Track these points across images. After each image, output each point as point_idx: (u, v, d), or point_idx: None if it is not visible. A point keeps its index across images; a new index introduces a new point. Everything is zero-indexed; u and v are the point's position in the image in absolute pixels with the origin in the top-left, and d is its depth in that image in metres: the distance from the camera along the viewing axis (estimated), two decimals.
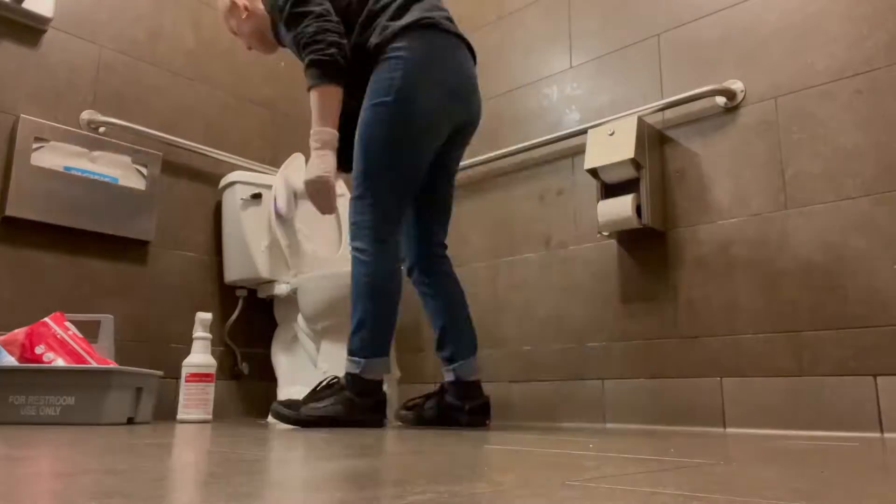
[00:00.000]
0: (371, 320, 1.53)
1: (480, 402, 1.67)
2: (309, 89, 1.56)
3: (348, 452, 0.86)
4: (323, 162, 1.54)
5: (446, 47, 1.60)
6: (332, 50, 1.52)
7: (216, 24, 2.46)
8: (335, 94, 1.54)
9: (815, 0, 1.70)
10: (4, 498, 0.45)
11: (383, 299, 1.54)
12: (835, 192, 1.60)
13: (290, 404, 1.55)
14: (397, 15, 1.58)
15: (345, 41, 1.57)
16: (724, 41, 1.84)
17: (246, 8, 1.76)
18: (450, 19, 1.66)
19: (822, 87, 1.66)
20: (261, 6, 1.76)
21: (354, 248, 1.56)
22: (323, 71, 1.52)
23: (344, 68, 1.54)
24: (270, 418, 1.67)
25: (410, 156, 1.56)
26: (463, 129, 1.70)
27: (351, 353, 1.56)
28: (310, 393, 1.57)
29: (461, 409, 1.64)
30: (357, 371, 1.53)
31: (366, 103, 1.56)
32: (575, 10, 2.22)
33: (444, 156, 1.70)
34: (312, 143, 1.55)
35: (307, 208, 2.37)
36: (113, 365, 1.68)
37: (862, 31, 1.61)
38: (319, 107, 1.53)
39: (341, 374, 1.58)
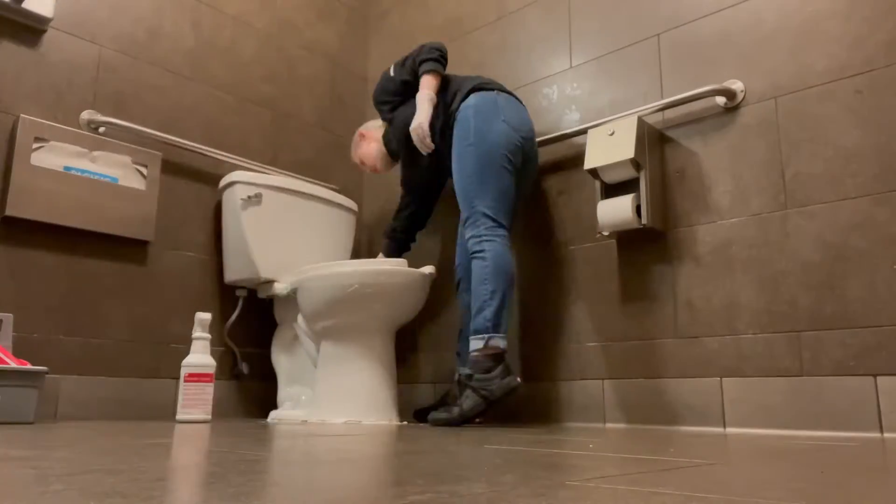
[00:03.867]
0: (491, 301, 1.77)
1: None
2: (425, 73, 2.04)
3: (348, 452, 0.86)
4: (423, 113, 2.00)
5: (506, 99, 2.00)
6: (437, 54, 2.07)
7: (216, 24, 2.46)
8: (439, 80, 2.05)
9: (815, 0, 1.70)
10: (4, 498, 0.45)
11: (500, 282, 1.79)
12: (835, 192, 1.60)
13: (448, 409, 1.78)
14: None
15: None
16: (724, 41, 1.84)
17: (363, 136, 2.29)
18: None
19: (822, 87, 1.66)
20: (376, 133, 2.26)
21: (475, 254, 1.84)
22: (435, 63, 2.04)
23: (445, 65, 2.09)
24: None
25: (497, 177, 1.91)
26: (526, 162, 2.00)
27: (476, 332, 1.77)
28: (450, 396, 1.88)
29: (489, 379, 1.76)
30: (482, 346, 1.75)
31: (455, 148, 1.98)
32: (575, 10, 2.22)
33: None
34: (424, 102, 2.01)
35: (305, 212, 2.38)
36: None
37: (862, 31, 1.61)
38: (431, 84, 2.03)
39: (339, 373, 1.60)
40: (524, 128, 1.97)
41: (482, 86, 2.01)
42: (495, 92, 1.99)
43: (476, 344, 1.76)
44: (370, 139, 2.27)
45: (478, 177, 1.88)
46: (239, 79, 2.50)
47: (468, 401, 1.72)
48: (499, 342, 1.75)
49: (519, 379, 1.74)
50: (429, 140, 2.01)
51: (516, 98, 2.05)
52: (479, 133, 1.90)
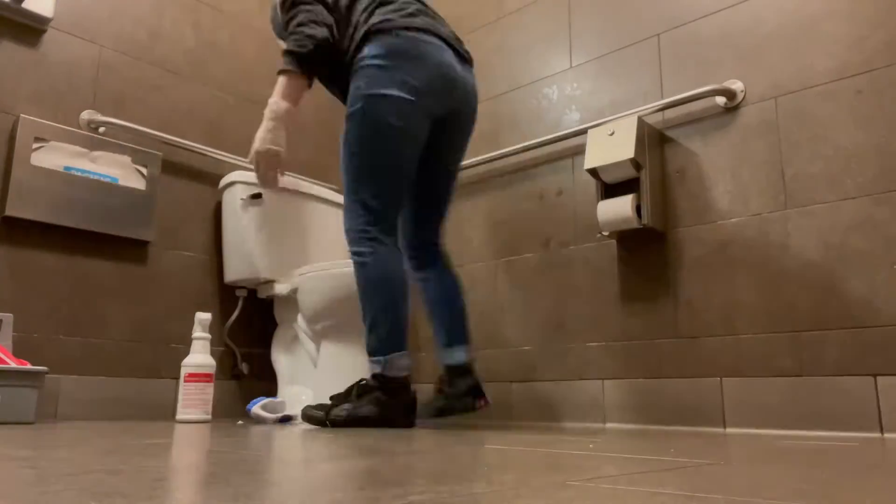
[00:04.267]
0: (381, 317, 1.56)
1: (471, 381, 1.68)
2: (279, 73, 1.62)
3: (348, 453, 0.86)
4: (274, 135, 1.60)
5: (409, 47, 1.61)
6: (307, 42, 1.58)
7: (216, 23, 2.46)
8: (301, 83, 1.62)
9: (815, 0, 1.70)
10: (5, 498, 0.45)
11: (387, 296, 1.56)
12: (835, 192, 1.60)
13: (321, 407, 1.58)
14: (364, 20, 1.65)
15: (324, 34, 1.61)
16: (724, 41, 1.84)
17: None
18: (415, 14, 1.67)
19: (822, 87, 1.66)
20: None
21: (353, 254, 1.61)
22: (294, 59, 1.59)
23: (316, 62, 1.61)
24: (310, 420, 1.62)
25: (388, 157, 1.61)
26: (447, 122, 1.71)
27: (370, 354, 1.58)
28: (341, 394, 1.59)
29: (459, 393, 1.66)
30: (380, 370, 1.56)
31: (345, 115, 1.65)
32: (575, 10, 2.22)
33: (436, 151, 1.74)
34: (266, 114, 1.61)
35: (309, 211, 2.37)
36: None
37: (862, 31, 1.61)
38: (283, 87, 1.60)
39: (339, 374, 1.58)
40: (435, 84, 1.62)
41: (377, 27, 1.61)
42: (393, 34, 1.60)
43: (374, 368, 1.56)
44: None
45: (362, 155, 1.58)
46: (239, 79, 2.50)
47: (369, 408, 1.54)
48: (402, 362, 1.57)
49: (482, 403, 1.65)
50: (267, 174, 1.61)
51: (428, 31, 1.64)
52: (366, 97, 1.58)
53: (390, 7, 1.66)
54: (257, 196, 2.24)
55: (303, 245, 2.34)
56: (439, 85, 1.64)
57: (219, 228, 2.36)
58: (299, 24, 1.60)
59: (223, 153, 2.36)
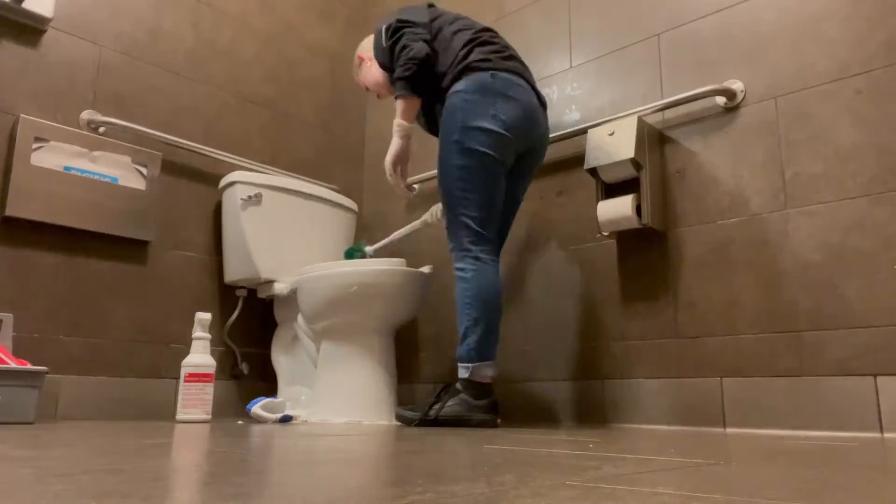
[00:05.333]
0: (472, 329, 1.69)
1: (494, 397, 1.74)
2: (396, 97, 1.83)
3: (348, 452, 0.86)
4: (403, 150, 1.86)
5: (502, 87, 1.76)
6: (412, 66, 1.78)
7: (216, 23, 2.46)
8: (415, 103, 1.84)
9: (814, 0, 1.70)
10: (4, 498, 0.45)
11: (480, 311, 1.69)
12: (835, 192, 1.60)
13: (413, 408, 1.75)
14: (464, 56, 1.80)
15: (424, 50, 1.79)
16: (724, 41, 1.84)
17: (362, 59, 2.08)
18: (509, 58, 1.83)
19: (822, 87, 1.66)
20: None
21: (456, 269, 1.75)
22: (405, 84, 1.79)
23: (420, 77, 1.80)
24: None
25: (488, 183, 1.75)
26: (524, 157, 1.85)
27: (459, 360, 1.72)
28: (433, 397, 1.75)
29: (478, 407, 1.71)
30: (467, 375, 1.70)
31: (440, 141, 1.80)
32: (575, 10, 2.22)
33: (511, 182, 1.86)
34: (395, 132, 1.85)
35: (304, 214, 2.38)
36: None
37: (862, 31, 1.61)
38: (402, 110, 1.83)
39: (339, 373, 1.59)
40: (521, 124, 1.77)
41: (476, 65, 1.76)
42: (490, 73, 1.76)
43: (462, 373, 1.71)
44: (371, 60, 2.04)
45: (462, 181, 1.73)
46: (239, 79, 2.50)
47: (452, 408, 1.68)
48: (486, 371, 1.70)
49: (499, 421, 1.73)
50: (398, 181, 1.89)
51: (519, 74, 1.80)
52: (465, 129, 1.72)
53: (490, 48, 1.82)
54: (257, 196, 2.24)
55: (303, 245, 2.34)
56: (526, 125, 1.80)
57: (219, 228, 2.36)
58: (403, 48, 1.79)
59: (223, 153, 2.36)
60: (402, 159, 1.87)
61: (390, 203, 2.70)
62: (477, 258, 1.72)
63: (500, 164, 1.75)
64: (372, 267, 1.99)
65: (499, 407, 1.75)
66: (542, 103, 1.88)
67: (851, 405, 1.50)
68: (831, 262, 1.58)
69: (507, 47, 1.86)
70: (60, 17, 2.05)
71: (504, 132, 1.73)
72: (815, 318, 1.58)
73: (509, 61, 1.82)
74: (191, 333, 2.00)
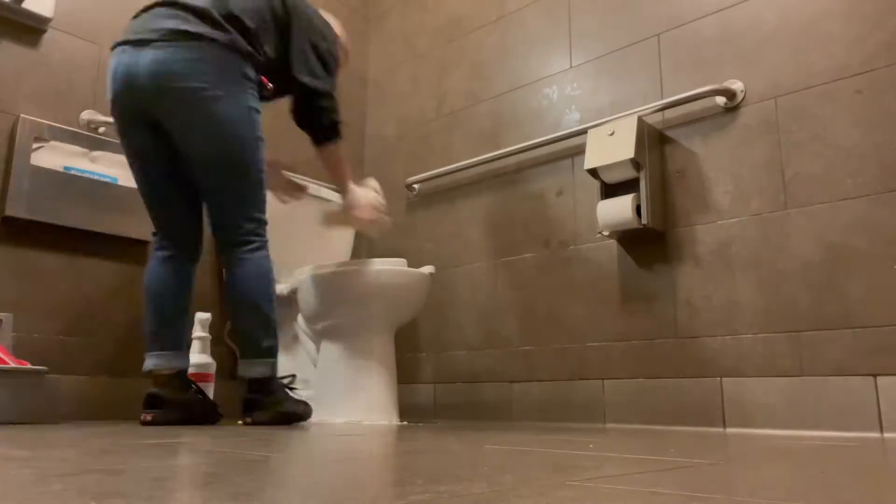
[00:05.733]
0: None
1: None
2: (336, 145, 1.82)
3: (348, 452, 0.86)
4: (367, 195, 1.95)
5: (114, 63, 1.60)
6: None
7: None
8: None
9: (814, 0, 1.70)
10: (5, 498, 0.45)
11: (146, 298, 1.67)
12: (835, 192, 1.60)
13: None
14: None
15: None
16: (724, 41, 1.84)
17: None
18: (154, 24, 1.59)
19: (822, 87, 1.66)
20: None
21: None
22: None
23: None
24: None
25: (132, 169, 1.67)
26: (156, 116, 1.59)
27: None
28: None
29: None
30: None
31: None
32: (575, 10, 2.22)
33: (175, 149, 1.64)
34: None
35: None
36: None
37: (862, 31, 1.61)
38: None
39: (339, 373, 1.58)
40: (110, 96, 1.60)
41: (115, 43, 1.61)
42: (117, 49, 1.59)
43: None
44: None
45: None
46: None
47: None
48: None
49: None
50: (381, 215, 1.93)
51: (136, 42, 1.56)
52: None
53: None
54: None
55: (303, 245, 2.33)
56: (126, 86, 1.68)
57: None
58: (332, 114, 1.79)
59: None
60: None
61: (390, 203, 2.70)
62: (154, 244, 1.70)
63: (130, 154, 1.64)
64: (372, 267, 1.99)
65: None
66: (148, 40, 1.55)
67: (851, 405, 1.50)
68: (831, 262, 1.58)
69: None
70: (60, 17, 2.05)
71: (114, 119, 1.63)
72: (815, 318, 1.58)
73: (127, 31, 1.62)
74: (191, 333, 1.99)
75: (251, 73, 1.63)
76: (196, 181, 1.66)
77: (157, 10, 1.60)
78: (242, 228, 1.64)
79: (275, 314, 1.66)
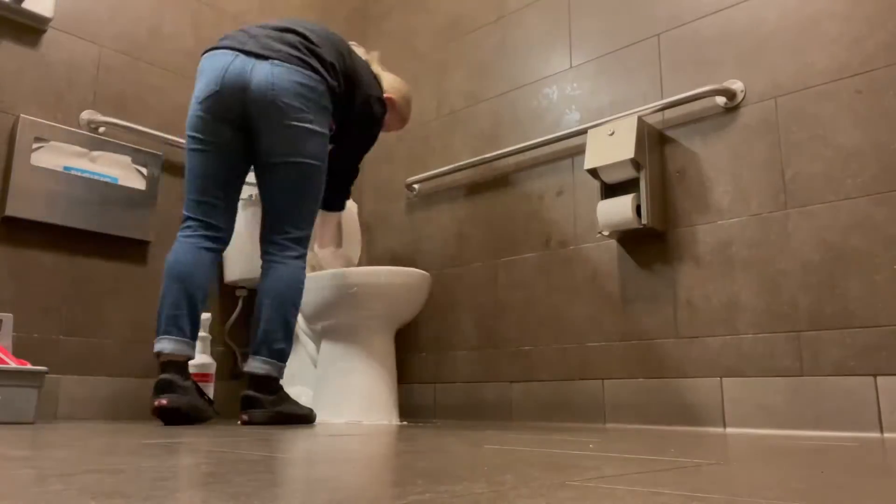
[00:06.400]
0: (160, 305, 1.69)
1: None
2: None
3: (348, 452, 0.86)
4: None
5: (208, 65, 1.72)
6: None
7: (216, 24, 2.46)
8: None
9: (814, 0, 1.70)
10: (5, 498, 0.45)
11: (169, 280, 1.70)
12: (835, 192, 1.60)
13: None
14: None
15: None
16: (724, 41, 1.84)
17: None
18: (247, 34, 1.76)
19: (822, 87, 1.66)
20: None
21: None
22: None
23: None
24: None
25: (189, 164, 1.74)
26: (251, 120, 1.70)
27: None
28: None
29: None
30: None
31: None
32: (575, 10, 2.22)
33: (253, 150, 1.76)
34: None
35: None
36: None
37: (862, 31, 1.61)
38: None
39: (339, 373, 1.58)
40: (210, 92, 1.68)
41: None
42: (225, 51, 1.72)
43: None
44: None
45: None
46: None
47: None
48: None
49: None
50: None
51: (225, 47, 1.72)
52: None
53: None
54: (257, 196, 2.23)
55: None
56: (219, 89, 1.78)
57: None
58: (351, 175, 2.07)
59: None
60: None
61: (390, 203, 2.70)
62: (183, 230, 1.70)
63: (201, 141, 1.70)
64: (373, 267, 1.99)
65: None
66: (266, 56, 1.70)
67: (851, 405, 1.50)
68: (831, 262, 1.58)
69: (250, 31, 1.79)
70: (60, 17, 2.05)
71: (198, 109, 1.70)
72: (815, 318, 1.58)
73: (224, 39, 1.77)
74: None
75: (332, 117, 1.83)
76: (263, 181, 1.76)
77: (286, 35, 1.76)
78: (290, 235, 1.75)
79: (295, 322, 1.72)
